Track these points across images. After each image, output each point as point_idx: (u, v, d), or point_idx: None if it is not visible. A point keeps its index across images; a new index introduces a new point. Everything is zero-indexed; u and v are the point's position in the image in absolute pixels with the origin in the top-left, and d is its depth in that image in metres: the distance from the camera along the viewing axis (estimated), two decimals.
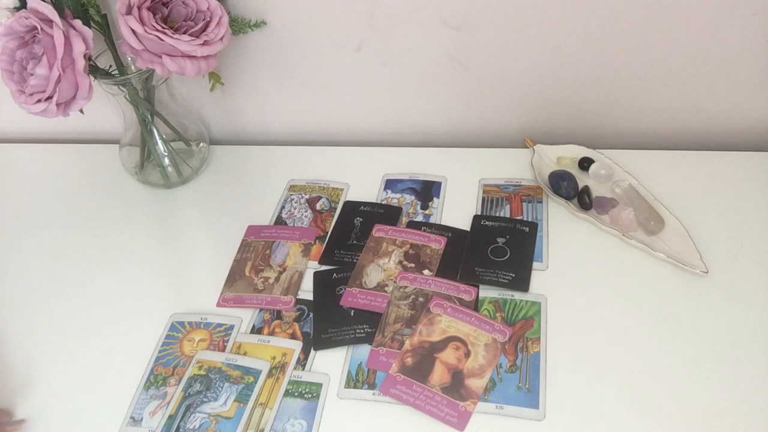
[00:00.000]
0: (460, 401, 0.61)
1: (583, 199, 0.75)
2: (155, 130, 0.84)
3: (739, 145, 0.83)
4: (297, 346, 0.67)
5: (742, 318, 0.63)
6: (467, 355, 0.64)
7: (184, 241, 0.81)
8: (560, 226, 0.75)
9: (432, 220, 0.78)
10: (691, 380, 0.60)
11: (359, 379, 0.64)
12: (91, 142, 0.98)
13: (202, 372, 0.66)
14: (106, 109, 0.87)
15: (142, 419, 0.64)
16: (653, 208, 0.73)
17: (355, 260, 0.74)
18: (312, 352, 0.67)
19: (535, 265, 0.71)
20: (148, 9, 0.69)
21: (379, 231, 0.77)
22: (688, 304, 0.65)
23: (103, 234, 0.83)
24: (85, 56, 0.68)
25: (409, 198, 0.81)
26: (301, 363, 0.66)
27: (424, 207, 0.80)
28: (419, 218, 0.79)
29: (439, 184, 0.82)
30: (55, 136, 1.00)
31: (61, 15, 0.67)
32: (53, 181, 0.93)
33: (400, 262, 0.73)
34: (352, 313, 0.69)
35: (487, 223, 0.76)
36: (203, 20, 0.71)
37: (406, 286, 0.70)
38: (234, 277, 0.75)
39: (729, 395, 0.58)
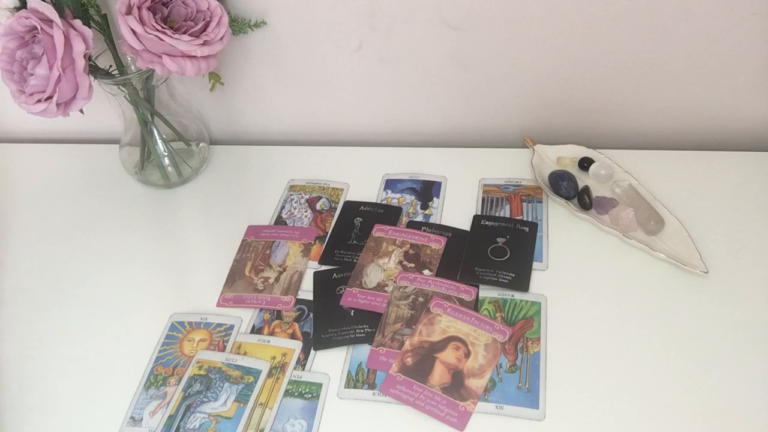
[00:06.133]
0: (460, 401, 0.61)
1: (583, 199, 0.75)
2: (155, 130, 0.84)
3: (739, 145, 0.83)
4: (297, 346, 0.67)
5: (742, 318, 0.63)
6: (467, 355, 0.64)
7: (184, 241, 0.81)
8: (560, 226, 0.75)
9: (432, 220, 0.78)
10: (691, 380, 0.60)
11: (359, 379, 0.64)
12: (91, 142, 0.98)
13: (202, 372, 0.66)
14: (106, 109, 0.87)
15: (142, 419, 0.64)
16: (653, 208, 0.73)
17: (355, 260, 0.74)
18: (312, 352, 0.67)
19: (535, 265, 0.71)
20: (148, 9, 0.69)
21: (379, 231, 0.77)
22: (688, 304, 0.65)
23: (103, 234, 0.83)
24: (85, 56, 0.68)
25: (409, 198, 0.81)
26: (301, 363, 0.66)
27: (424, 207, 0.80)
28: (419, 218, 0.79)
29: (439, 184, 0.82)
30: (55, 136, 1.00)
31: (61, 15, 0.67)
32: (53, 181, 0.93)
33: (400, 262, 0.73)
34: (352, 313, 0.69)
35: (487, 223, 0.76)
36: (203, 20, 0.72)
37: (406, 286, 0.70)
38: (234, 277, 0.75)
39: (729, 395, 0.58)
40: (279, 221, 0.81)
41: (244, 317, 0.71)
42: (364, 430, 0.61)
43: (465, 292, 0.69)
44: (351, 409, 0.62)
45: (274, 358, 0.67)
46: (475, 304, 0.68)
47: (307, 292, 0.72)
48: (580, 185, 0.77)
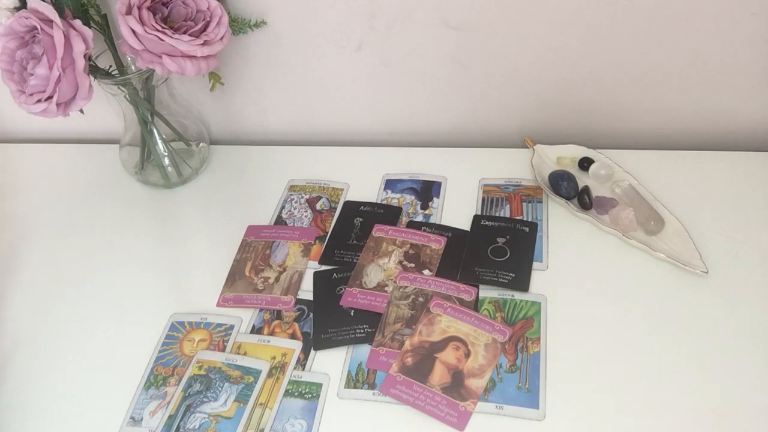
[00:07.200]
0: (460, 401, 0.61)
1: (583, 199, 0.75)
2: (155, 130, 0.84)
3: (739, 145, 0.83)
4: (297, 346, 0.67)
5: (742, 318, 0.63)
6: (467, 355, 0.64)
7: (184, 241, 0.81)
8: (560, 226, 0.75)
9: (432, 220, 0.78)
10: (691, 380, 0.60)
11: (359, 379, 0.64)
12: (91, 142, 0.98)
13: (202, 372, 0.66)
14: (106, 109, 0.87)
15: (142, 419, 0.64)
16: (653, 208, 0.73)
17: (355, 260, 0.74)
18: (312, 352, 0.67)
19: (535, 265, 0.71)
20: (148, 9, 0.69)
21: (379, 231, 0.77)
22: (688, 304, 0.65)
23: (103, 234, 0.83)
24: (85, 56, 0.68)
25: (409, 198, 0.81)
26: (301, 363, 0.66)
27: (424, 207, 0.80)
28: (419, 218, 0.79)
29: (439, 184, 0.82)
30: (55, 136, 1.00)
31: (61, 15, 0.67)
32: (53, 181, 0.93)
33: (400, 262, 0.73)
34: (352, 313, 0.69)
35: (487, 223, 0.76)
36: (203, 20, 0.72)
37: (406, 286, 0.70)
38: (234, 277, 0.75)
39: (729, 395, 0.58)
40: (279, 221, 0.81)
41: (244, 317, 0.71)
42: (364, 430, 0.61)
43: (465, 292, 0.69)
44: (351, 409, 0.62)
45: (274, 358, 0.67)
46: (475, 304, 0.68)
47: (307, 292, 0.72)
48: (580, 185, 0.77)
